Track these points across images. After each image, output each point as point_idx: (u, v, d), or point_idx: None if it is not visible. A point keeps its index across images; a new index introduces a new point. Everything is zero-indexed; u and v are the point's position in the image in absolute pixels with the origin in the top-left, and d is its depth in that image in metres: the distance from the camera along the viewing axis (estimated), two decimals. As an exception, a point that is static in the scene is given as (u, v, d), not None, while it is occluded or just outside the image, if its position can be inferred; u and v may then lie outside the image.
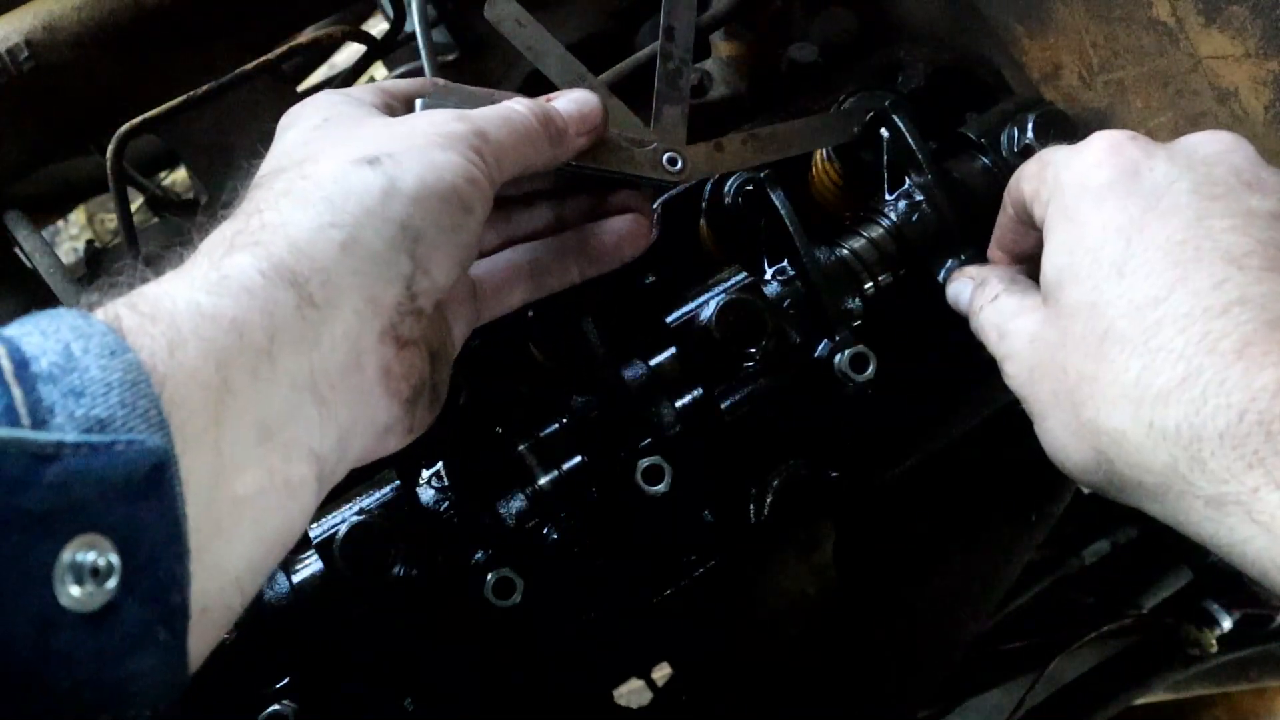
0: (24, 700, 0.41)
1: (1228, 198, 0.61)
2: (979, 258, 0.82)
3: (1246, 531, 0.53)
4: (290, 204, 0.60)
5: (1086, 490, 1.29)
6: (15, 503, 0.41)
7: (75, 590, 0.42)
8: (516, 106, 0.71)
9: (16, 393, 0.44)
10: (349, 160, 0.62)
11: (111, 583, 0.43)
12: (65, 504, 0.42)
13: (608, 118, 0.77)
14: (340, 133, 0.68)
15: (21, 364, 0.45)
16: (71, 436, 0.43)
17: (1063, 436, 0.65)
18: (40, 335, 0.47)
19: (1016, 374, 0.70)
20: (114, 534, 0.44)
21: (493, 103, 0.72)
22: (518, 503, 0.79)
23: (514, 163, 0.69)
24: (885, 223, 0.86)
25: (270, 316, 0.54)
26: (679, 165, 0.81)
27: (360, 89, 0.76)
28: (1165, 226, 0.61)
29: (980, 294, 0.77)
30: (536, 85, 0.90)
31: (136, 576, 0.44)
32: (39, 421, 0.44)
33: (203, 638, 0.49)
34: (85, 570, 0.42)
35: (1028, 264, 0.79)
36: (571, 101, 0.75)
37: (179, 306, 0.52)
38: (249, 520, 0.52)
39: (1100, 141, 0.67)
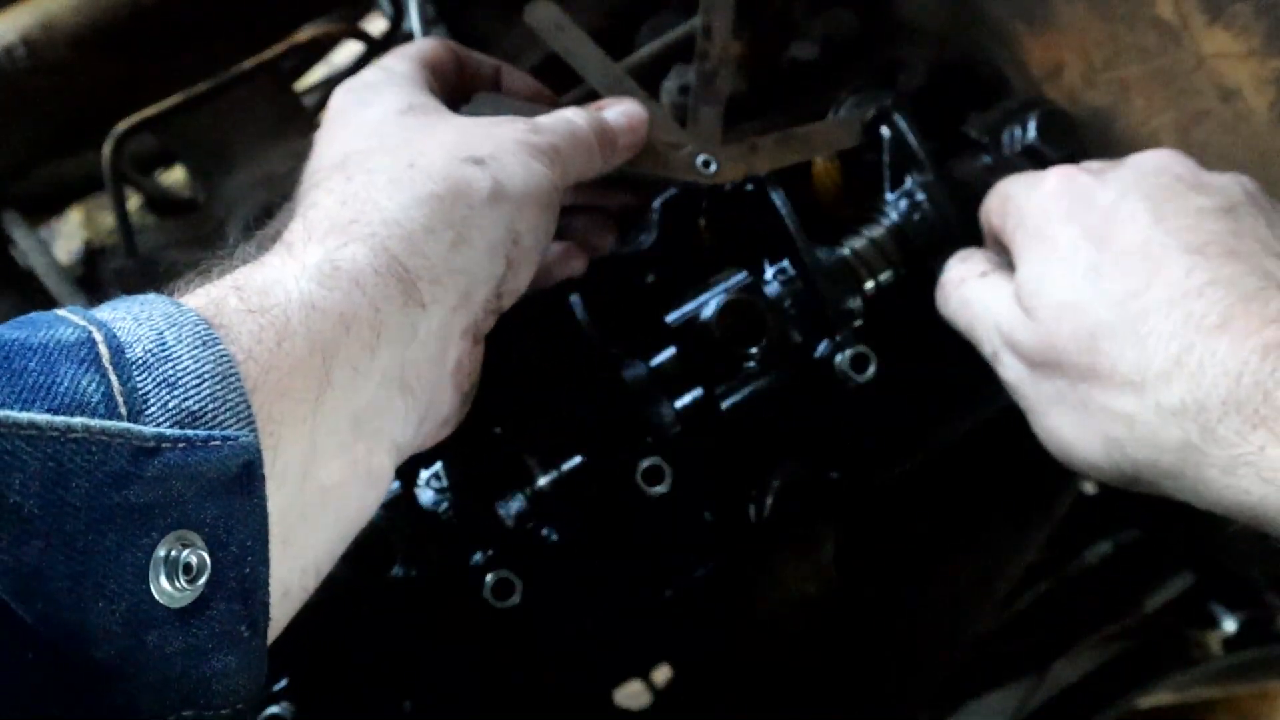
0: (113, 693, 0.41)
1: (1177, 200, 0.66)
2: (980, 257, 0.82)
3: (1260, 491, 0.56)
4: (402, 195, 0.60)
5: (1090, 490, 1.29)
6: (119, 497, 0.41)
7: (168, 586, 0.42)
8: (575, 119, 0.73)
9: (114, 380, 0.43)
10: (456, 158, 0.63)
11: (202, 580, 0.43)
12: (164, 499, 0.42)
13: (650, 126, 0.78)
14: (430, 123, 0.69)
15: (117, 350, 0.45)
16: (171, 430, 0.43)
17: (1070, 432, 0.67)
18: (133, 321, 0.46)
19: (1014, 369, 0.71)
20: (206, 531, 0.43)
21: (539, 112, 0.74)
22: (517, 503, 0.79)
23: (573, 175, 0.71)
24: (886, 222, 0.85)
25: (377, 313, 0.55)
26: (713, 168, 0.82)
27: (397, 61, 0.76)
28: (1128, 231, 0.66)
29: (963, 266, 0.78)
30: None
31: (224, 575, 0.44)
32: (135, 412, 0.43)
33: (278, 622, 0.50)
34: (179, 566, 0.42)
35: None
36: (621, 114, 0.76)
37: (291, 298, 0.52)
38: (333, 509, 0.53)
39: (1053, 176, 0.72)
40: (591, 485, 0.80)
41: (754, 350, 0.79)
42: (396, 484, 0.77)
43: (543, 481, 0.79)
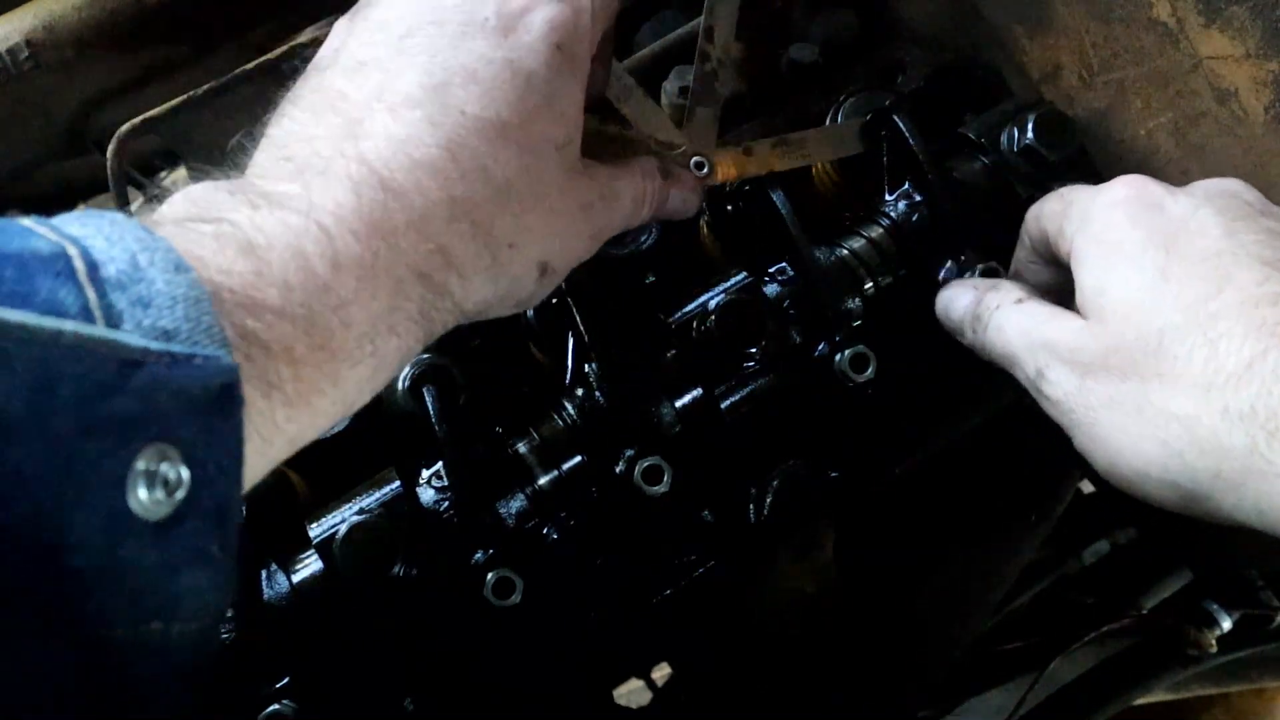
0: (88, 602, 0.42)
1: (1249, 219, 0.66)
2: (978, 258, 0.82)
3: None
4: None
5: (1091, 493, 1.29)
6: (104, 407, 0.41)
7: (145, 498, 0.42)
8: (646, 202, 0.77)
9: (91, 295, 0.44)
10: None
11: (180, 494, 0.44)
12: (146, 412, 0.43)
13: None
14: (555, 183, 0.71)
15: (92, 266, 0.45)
16: (155, 344, 0.43)
17: (1122, 439, 0.65)
18: (106, 241, 0.46)
19: (1063, 382, 0.69)
20: (184, 447, 0.44)
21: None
22: (518, 503, 0.79)
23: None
24: (885, 223, 0.86)
25: (415, 322, 0.60)
26: (706, 169, 0.82)
27: (584, 47, 0.75)
28: (1200, 240, 0.66)
29: (995, 295, 0.76)
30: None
31: (200, 492, 0.45)
32: (110, 327, 0.43)
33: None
34: (158, 479, 0.43)
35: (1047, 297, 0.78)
36: (682, 200, 0.81)
37: (354, 322, 0.55)
38: (315, 428, 0.55)
39: (1121, 181, 0.72)
40: (591, 485, 0.80)
41: (754, 350, 0.79)
42: (397, 484, 0.78)
43: (543, 481, 0.79)
